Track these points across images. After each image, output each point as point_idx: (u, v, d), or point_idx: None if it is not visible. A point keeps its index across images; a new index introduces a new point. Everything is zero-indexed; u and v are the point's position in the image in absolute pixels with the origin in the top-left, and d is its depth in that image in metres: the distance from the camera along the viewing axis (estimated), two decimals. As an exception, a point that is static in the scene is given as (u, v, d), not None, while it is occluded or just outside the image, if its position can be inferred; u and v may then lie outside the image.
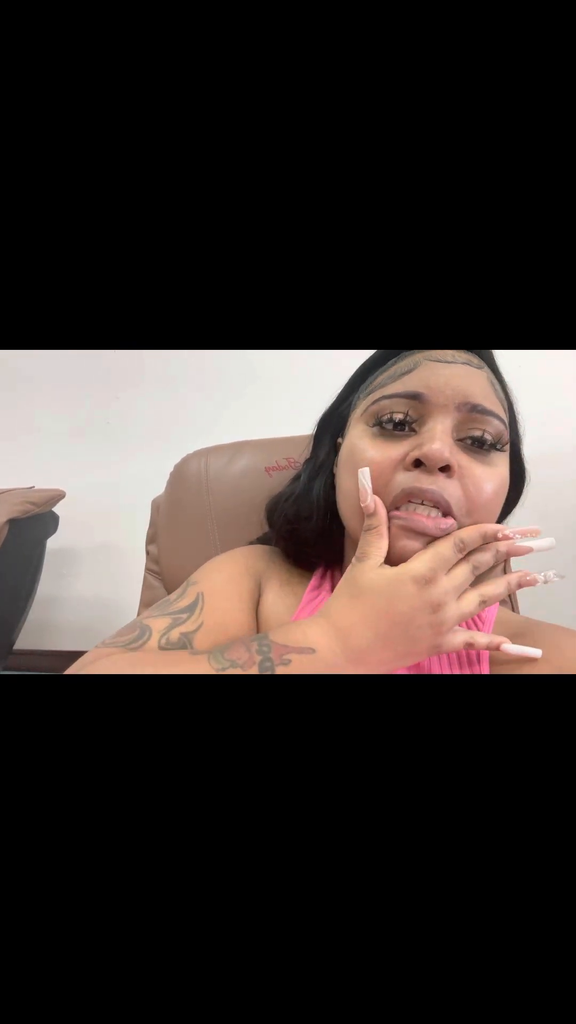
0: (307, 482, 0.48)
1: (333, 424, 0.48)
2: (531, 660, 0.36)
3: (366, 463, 0.38)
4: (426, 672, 0.40)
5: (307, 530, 0.46)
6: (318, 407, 0.50)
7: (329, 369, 0.47)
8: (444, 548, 0.34)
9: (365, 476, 0.37)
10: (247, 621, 0.43)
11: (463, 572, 0.34)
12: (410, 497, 0.36)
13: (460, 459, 0.36)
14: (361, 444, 0.39)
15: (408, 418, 0.38)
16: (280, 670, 0.32)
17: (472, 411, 0.37)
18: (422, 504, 0.36)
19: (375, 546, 0.35)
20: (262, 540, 0.55)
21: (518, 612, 0.48)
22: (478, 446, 0.37)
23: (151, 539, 0.71)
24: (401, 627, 0.33)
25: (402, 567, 0.34)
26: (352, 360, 0.47)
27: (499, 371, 0.43)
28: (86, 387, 1.44)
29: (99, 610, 1.48)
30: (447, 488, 0.36)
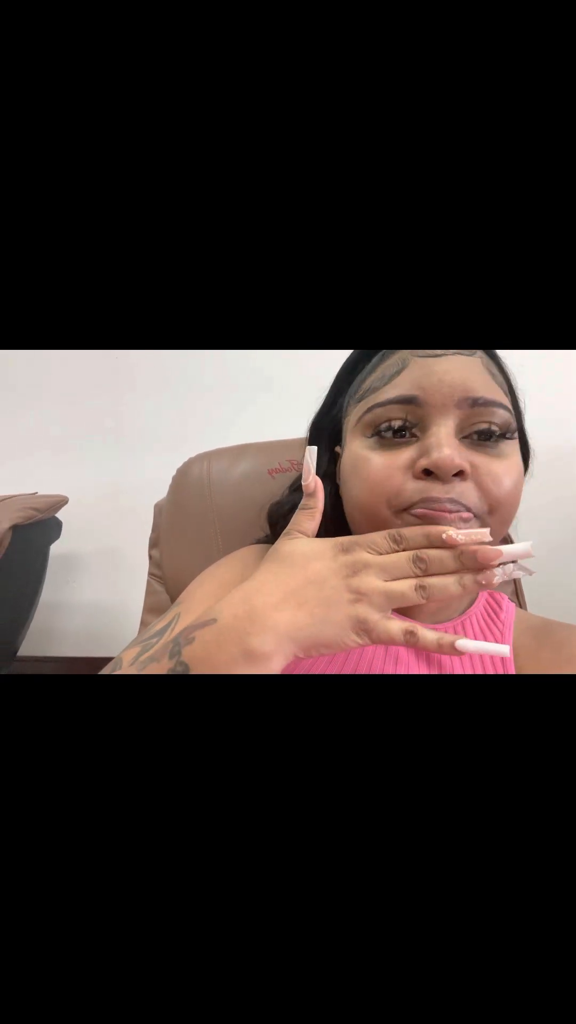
0: None
1: (327, 431, 0.46)
2: (501, 656, 0.33)
3: (371, 474, 0.36)
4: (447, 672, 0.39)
5: None
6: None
7: (334, 370, 0.46)
8: (376, 535, 0.32)
9: (311, 455, 0.34)
10: None
11: (398, 559, 0.31)
12: (426, 508, 0.34)
13: (471, 458, 0.35)
14: (363, 455, 0.38)
15: (407, 423, 0.36)
16: (186, 651, 0.30)
17: (474, 405, 0.35)
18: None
19: (305, 524, 0.34)
20: (268, 539, 0.54)
21: (525, 610, 0.47)
22: (486, 439, 0.36)
23: (154, 543, 0.71)
24: (315, 585, 0.30)
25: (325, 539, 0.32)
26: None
27: (492, 351, 0.40)
28: (89, 390, 1.45)
29: (104, 615, 1.47)
30: (464, 493, 0.35)
